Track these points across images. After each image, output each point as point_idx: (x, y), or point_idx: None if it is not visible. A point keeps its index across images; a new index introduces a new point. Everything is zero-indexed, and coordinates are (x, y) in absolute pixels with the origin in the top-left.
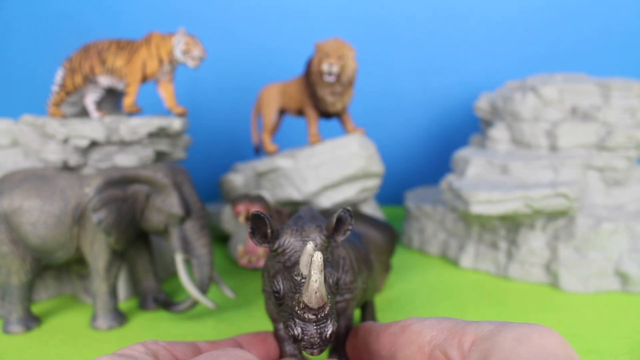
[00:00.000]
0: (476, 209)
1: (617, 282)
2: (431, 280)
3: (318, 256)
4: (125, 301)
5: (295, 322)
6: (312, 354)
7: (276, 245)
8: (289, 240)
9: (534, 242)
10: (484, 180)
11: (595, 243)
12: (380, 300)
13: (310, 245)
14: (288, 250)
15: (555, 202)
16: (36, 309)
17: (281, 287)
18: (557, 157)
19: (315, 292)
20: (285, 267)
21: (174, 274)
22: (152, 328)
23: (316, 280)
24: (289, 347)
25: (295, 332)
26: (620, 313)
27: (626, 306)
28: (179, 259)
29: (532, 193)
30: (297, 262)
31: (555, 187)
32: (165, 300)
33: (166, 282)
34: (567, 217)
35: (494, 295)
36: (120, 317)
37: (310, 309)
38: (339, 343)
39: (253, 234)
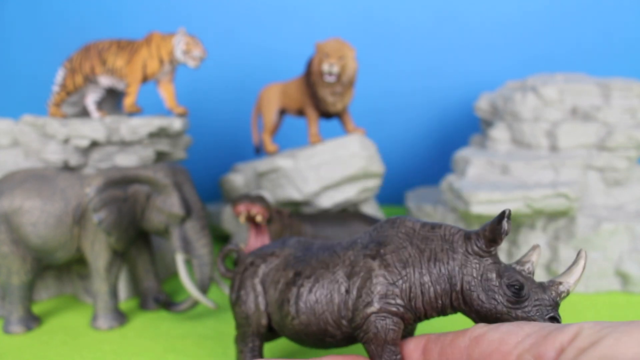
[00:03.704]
0: (476, 209)
1: (617, 282)
2: None
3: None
4: (125, 301)
5: (557, 310)
6: None
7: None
8: None
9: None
10: (484, 180)
11: (595, 243)
12: None
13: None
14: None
15: (556, 202)
16: (37, 309)
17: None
18: (558, 157)
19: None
20: (513, 269)
21: (174, 274)
22: (153, 328)
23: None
24: None
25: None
26: (620, 313)
27: (626, 306)
28: (180, 259)
29: (533, 193)
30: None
31: (556, 187)
32: (165, 300)
33: (166, 282)
34: (568, 217)
35: None
36: (120, 317)
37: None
38: None
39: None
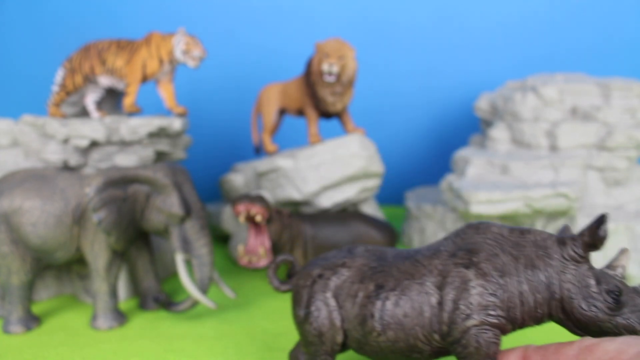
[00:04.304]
0: (476, 209)
1: None
2: None
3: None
4: (125, 301)
5: None
6: None
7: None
8: None
9: None
10: (484, 180)
11: None
12: None
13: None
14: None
15: (556, 202)
16: (36, 309)
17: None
18: (557, 157)
19: None
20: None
21: (174, 274)
22: (152, 328)
23: None
24: None
25: None
26: None
27: None
28: (179, 259)
29: (533, 193)
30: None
31: (556, 187)
32: (165, 300)
33: (166, 282)
34: (568, 217)
35: None
36: (120, 317)
37: None
38: None
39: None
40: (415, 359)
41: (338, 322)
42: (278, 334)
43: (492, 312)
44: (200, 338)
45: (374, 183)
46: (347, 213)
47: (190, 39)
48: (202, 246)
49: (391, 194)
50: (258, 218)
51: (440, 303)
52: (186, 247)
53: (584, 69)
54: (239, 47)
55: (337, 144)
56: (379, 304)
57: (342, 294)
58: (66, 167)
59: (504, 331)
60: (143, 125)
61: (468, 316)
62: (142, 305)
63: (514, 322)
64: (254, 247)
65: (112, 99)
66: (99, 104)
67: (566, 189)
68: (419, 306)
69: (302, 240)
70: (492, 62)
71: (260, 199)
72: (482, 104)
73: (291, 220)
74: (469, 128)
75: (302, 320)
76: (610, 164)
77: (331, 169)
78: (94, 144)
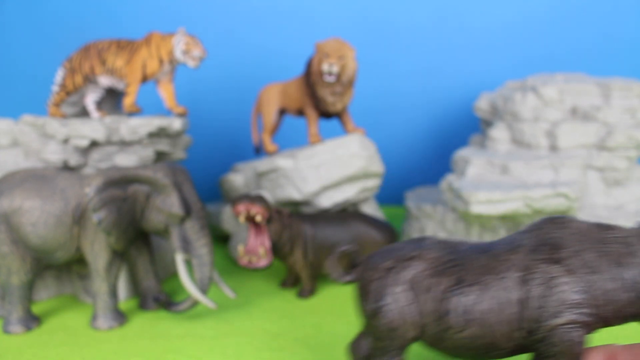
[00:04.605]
0: (476, 209)
1: None
2: None
3: None
4: (125, 301)
5: None
6: None
7: None
8: None
9: None
10: (484, 180)
11: None
12: None
13: None
14: None
15: (556, 202)
16: (36, 309)
17: None
18: (557, 157)
19: None
20: None
21: (174, 274)
22: (152, 328)
23: None
24: None
25: None
26: None
27: None
28: (179, 259)
29: (532, 193)
30: None
31: (556, 187)
32: (165, 300)
33: (166, 282)
34: None
35: None
36: (120, 317)
37: None
38: None
39: None
40: (494, 355)
41: (412, 317)
42: (278, 334)
43: (579, 311)
44: (200, 338)
45: (373, 183)
46: (347, 213)
47: (190, 39)
48: (202, 246)
49: (391, 194)
50: (258, 218)
51: (523, 300)
52: (186, 247)
53: (584, 69)
54: (239, 47)
55: (337, 144)
56: (459, 299)
57: (416, 287)
58: (66, 167)
59: (591, 330)
60: (143, 125)
61: (555, 314)
62: (142, 305)
63: (600, 321)
64: (254, 247)
65: (112, 99)
66: (99, 104)
67: (566, 189)
68: (500, 302)
69: (302, 240)
70: (492, 62)
71: (260, 199)
72: (482, 104)
73: (291, 220)
74: (469, 128)
75: (371, 315)
76: (610, 164)
77: (331, 169)
78: (94, 144)
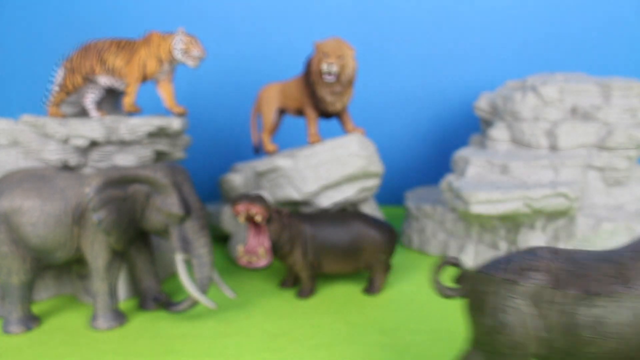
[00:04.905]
0: (476, 209)
1: None
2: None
3: None
4: (125, 301)
5: None
6: None
7: None
8: None
9: (534, 242)
10: (484, 180)
11: (595, 243)
12: (380, 300)
13: None
14: None
15: (555, 202)
16: (36, 309)
17: None
18: (557, 157)
19: None
20: None
21: (174, 274)
22: (152, 328)
23: None
24: None
25: None
26: None
27: None
28: (179, 259)
29: (532, 193)
30: None
31: (556, 187)
32: (165, 300)
33: (166, 282)
34: (567, 217)
35: None
36: (120, 317)
37: None
38: None
39: None
40: None
41: (536, 332)
42: (278, 334)
43: None
44: (200, 338)
45: (373, 183)
46: (347, 213)
47: (189, 38)
48: (201, 246)
49: (391, 194)
50: (258, 218)
51: None
52: (186, 247)
53: (584, 69)
54: (238, 46)
55: (337, 144)
56: (591, 312)
57: (538, 300)
58: (66, 167)
59: None
60: (142, 125)
61: None
62: (142, 305)
63: None
64: (254, 247)
65: (112, 99)
66: (99, 104)
67: (566, 189)
68: (635, 314)
69: (302, 240)
70: (492, 62)
71: (259, 199)
72: (482, 104)
73: (291, 220)
74: (469, 128)
75: (489, 330)
76: (610, 163)
77: (330, 168)
78: (93, 144)
